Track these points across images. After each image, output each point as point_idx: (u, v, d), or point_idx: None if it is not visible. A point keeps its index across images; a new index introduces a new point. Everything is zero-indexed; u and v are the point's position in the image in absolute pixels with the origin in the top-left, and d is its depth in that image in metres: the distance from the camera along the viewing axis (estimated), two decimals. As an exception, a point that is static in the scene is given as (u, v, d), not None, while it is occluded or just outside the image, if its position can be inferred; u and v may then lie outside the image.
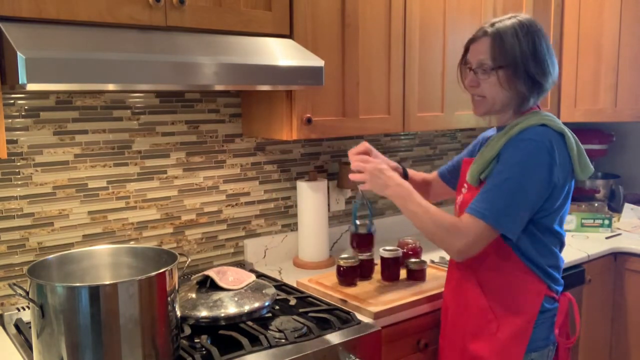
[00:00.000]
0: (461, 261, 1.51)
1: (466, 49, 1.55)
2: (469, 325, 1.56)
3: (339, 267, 1.84)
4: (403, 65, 2.06)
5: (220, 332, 1.48)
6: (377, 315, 1.63)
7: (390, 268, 1.87)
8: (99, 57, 1.28)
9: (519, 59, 1.45)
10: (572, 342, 1.59)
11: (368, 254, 1.89)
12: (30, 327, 1.35)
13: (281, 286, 1.87)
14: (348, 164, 2.26)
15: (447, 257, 2.14)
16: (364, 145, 1.64)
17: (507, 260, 1.49)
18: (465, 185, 1.59)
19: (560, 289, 1.56)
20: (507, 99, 1.50)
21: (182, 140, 1.95)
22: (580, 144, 1.50)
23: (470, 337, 1.55)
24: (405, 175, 1.83)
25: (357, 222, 1.89)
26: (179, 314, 1.37)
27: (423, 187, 1.88)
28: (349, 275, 1.83)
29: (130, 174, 1.86)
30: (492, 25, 1.51)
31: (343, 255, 1.86)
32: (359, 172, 1.52)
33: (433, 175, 1.92)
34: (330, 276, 1.92)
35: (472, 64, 1.52)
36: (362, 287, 1.82)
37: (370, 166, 1.50)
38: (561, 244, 1.57)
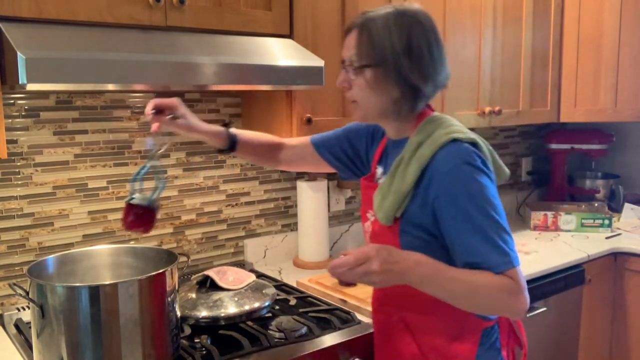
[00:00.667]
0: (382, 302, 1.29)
1: (343, 43, 1.30)
2: None
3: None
4: (403, 65, 2.06)
5: (220, 332, 1.48)
6: (377, 315, 1.62)
7: None
8: (99, 57, 1.28)
9: (389, 56, 1.20)
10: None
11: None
12: (30, 327, 1.35)
13: (281, 286, 1.87)
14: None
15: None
16: (172, 100, 1.36)
17: (435, 299, 1.20)
18: (371, 212, 1.33)
19: None
20: (381, 105, 1.25)
21: (182, 140, 1.95)
22: (490, 147, 1.31)
23: None
24: (231, 140, 1.48)
25: (137, 188, 1.38)
26: (179, 314, 1.37)
27: (268, 152, 1.57)
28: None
29: (130, 174, 1.86)
30: (364, 14, 1.25)
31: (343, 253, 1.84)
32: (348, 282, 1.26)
33: (299, 141, 1.58)
34: (330, 276, 1.91)
35: (344, 61, 1.28)
36: (362, 287, 1.82)
37: (376, 265, 1.12)
38: None
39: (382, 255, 1.13)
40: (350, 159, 1.52)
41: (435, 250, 1.21)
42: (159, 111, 1.34)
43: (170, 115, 1.36)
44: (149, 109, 1.33)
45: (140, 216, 1.36)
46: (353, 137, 1.51)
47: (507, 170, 1.33)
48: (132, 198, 1.36)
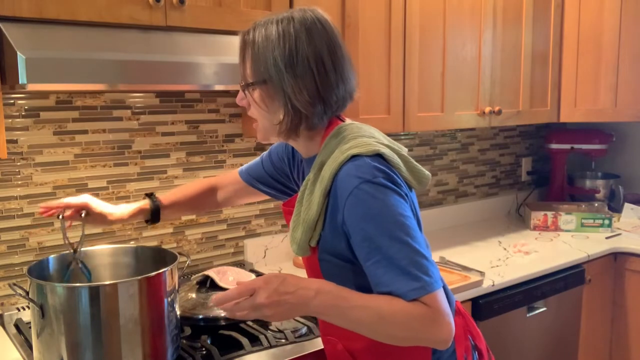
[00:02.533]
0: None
1: None
2: None
3: None
4: (403, 65, 2.06)
5: (220, 332, 1.48)
6: (377, 315, 1.62)
7: None
8: (99, 57, 1.28)
9: (273, 73, 1.09)
10: None
11: None
12: (30, 327, 1.35)
13: (281, 286, 1.87)
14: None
15: (447, 257, 2.15)
16: (83, 198, 1.39)
17: None
18: None
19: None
20: (273, 123, 1.15)
21: (182, 140, 1.95)
22: (404, 153, 1.19)
23: None
24: (155, 208, 1.48)
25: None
26: (179, 314, 1.37)
27: (202, 200, 1.56)
28: None
29: (130, 174, 1.86)
30: (253, 24, 1.14)
31: None
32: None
33: (231, 178, 1.54)
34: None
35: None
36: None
37: (262, 297, 1.02)
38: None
39: (272, 286, 1.02)
40: (282, 183, 1.44)
41: (358, 275, 1.11)
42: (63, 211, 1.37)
43: (81, 214, 1.39)
44: (58, 212, 1.37)
45: None
46: (276, 160, 1.43)
47: (427, 174, 1.20)
48: None
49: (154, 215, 1.48)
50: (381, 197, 1.05)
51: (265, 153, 1.48)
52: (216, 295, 1.05)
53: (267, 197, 1.52)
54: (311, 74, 1.10)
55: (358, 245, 1.07)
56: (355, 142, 1.11)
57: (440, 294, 1.03)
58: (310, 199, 1.14)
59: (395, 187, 1.08)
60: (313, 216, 1.12)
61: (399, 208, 1.05)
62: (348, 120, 1.22)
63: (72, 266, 1.40)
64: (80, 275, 1.40)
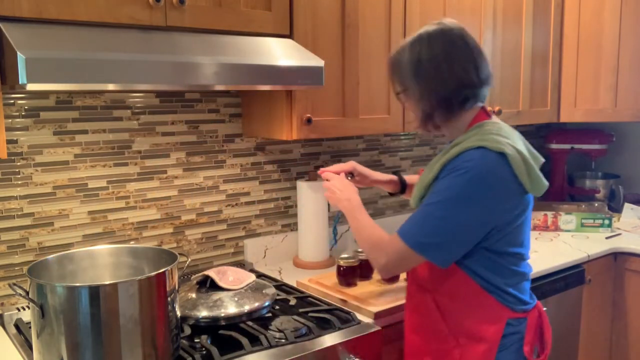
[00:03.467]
0: (384, 276, 1.49)
1: None
2: (430, 348, 1.47)
3: (339, 267, 1.84)
4: (403, 65, 2.06)
5: (220, 332, 1.48)
6: (377, 315, 1.63)
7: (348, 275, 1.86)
8: (99, 57, 1.28)
9: (408, 82, 1.42)
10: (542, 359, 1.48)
11: (352, 260, 1.83)
12: (30, 327, 1.35)
13: (281, 286, 1.87)
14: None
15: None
16: (350, 164, 1.73)
17: (464, 285, 1.39)
18: None
19: (528, 305, 1.45)
20: (421, 118, 1.45)
21: (182, 140, 1.95)
22: (529, 159, 1.35)
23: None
24: (402, 184, 1.82)
25: (344, 255, 1.84)
26: (179, 314, 1.37)
27: None
28: (349, 275, 1.82)
29: (130, 174, 1.86)
30: (395, 50, 1.47)
31: (343, 255, 1.85)
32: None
33: None
34: (330, 276, 1.92)
35: None
36: (362, 287, 1.82)
37: (329, 183, 1.61)
38: (523, 260, 1.45)
39: (337, 184, 1.60)
40: None
41: None
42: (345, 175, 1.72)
43: (350, 177, 1.74)
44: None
45: (346, 274, 1.83)
46: None
47: (545, 182, 1.38)
48: (340, 262, 1.83)
49: (402, 187, 1.83)
50: (469, 189, 1.30)
51: None
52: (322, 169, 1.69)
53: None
54: (432, 76, 1.38)
55: (428, 201, 1.36)
56: (488, 137, 1.34)
57: (408, 252, 1.34)
58: (433, 165, 1.41)
59: (487, 192, 1.31)
60: (430, 178, 1.39)
61: (476, 205, 1.30)
62: (494, 118, 1.46)
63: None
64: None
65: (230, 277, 1.63)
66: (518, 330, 1.42)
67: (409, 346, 1.55)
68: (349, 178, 1.73)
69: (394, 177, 1.82)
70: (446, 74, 1.37)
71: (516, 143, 1.36)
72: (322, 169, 1.70)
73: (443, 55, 1.37)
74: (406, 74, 1.41)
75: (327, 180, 1.64)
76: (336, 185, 1.60)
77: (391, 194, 1.86)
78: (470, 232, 1.33)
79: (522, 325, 1.43)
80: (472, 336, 1.40)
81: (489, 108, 1.44)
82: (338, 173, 1.69)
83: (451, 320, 1.43)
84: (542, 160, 1.45)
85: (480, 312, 1.40)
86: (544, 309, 2.07)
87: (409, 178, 1.85)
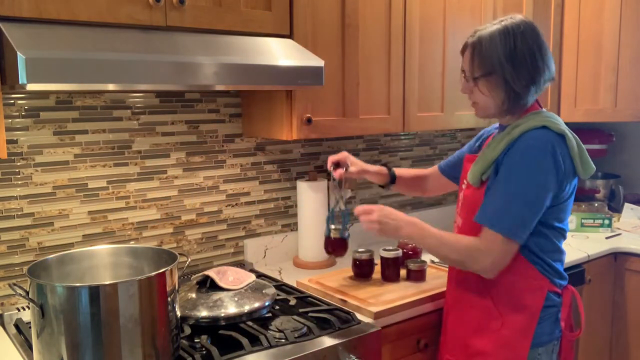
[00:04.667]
0: (492, 276, 1.49)
1: (462, 55, 1.58)
2: (472, 322, 1.56)
3: (355, 260, 1.89)
4: (403, 65, 2.06)
5: (220, 332, 1.48)
6: (377, 315, 1.63)
7: (391, 268, 1.87)
8: (99, 57, 1.28)
9: (497, 67, 1.46)
10: (577, 335, 1.59)
11: (367, 254, 1.89)
12: (30, 327, 1.35)
13: (281, 286, 1.87)
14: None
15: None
16: (342, 154, 1.78)
17: None
18: (465, 182, 1.60)
19: (564, 282, 1.56)
20: (496, 105, 1.51)
21: (182, 140, 1.95)
22: (581, 143, 1.50)
23: (473, 333, 1.55)
24: (392, 176, 1.88)
25: (332, 226, 1.82)
26: (179, 314, 1.37)
27: (416, 183, 1.94)
28: (365, 268, 1.88)
29: (130, 174, 1.86)
30: (475, 33, 1.51)
31: (360, 249, 1.91)
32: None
33: (432, 170, 1.94)
34: (330, 276, 1.92)
35: (464, 71, 1.56)
36: (362, 287, 1.82)
37: (375, 216, 1.55)
38: (564, 238, 1.57)
39: (383, 212, 1.55)
40: None
41: None
42: (336, 165, 1.79)
43: (345, 167, 1.78)
44: (329, 167, 1.78)
45: (337, 246, 1.82)
46: (464, 152, 1.80)
47: (593, 166, 1.50)
48: (329, 234, 1.81)
49: (392, 179, 1.88)
50: (540, 160, 1.41)
51: (458, 151, 1.87)
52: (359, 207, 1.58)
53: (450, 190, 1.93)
54: (526, 65, 1.45)
55: (499, 180, 1.44)
56: (548, 120, 1.46)
57: (503, 239, 1.40)
58: (496, 144, 1.49)
59: (554, 165, 1.41)
60: (494, 155, 1.47)
61: (545, 175, 1.41)
62: (544, 108, 1.57)
63: (337, 209, 1.82)
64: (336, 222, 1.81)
65: (230, 277, 1.63)
66: (555, 304, 1.53)
67: (452, 320, 1.63)
68: (344, 169, 1.77)
69: (383, 169, 1.87)
70: (540, 63, 1.46)
71: (568, 129, 1.48)
72: (330, 158, 1.78)
73: (537, 47, 1.46)
74: (497, 58, 1.45)
75: (361, 215, 1.58)
76: (381, 214, 1.55)
77: (381, 186, 1.90)
78: (542, 202, 1.42)
79: (558, 302, 1.53)
80: (514, 306, 1.49)
81: None
82: (334, 163, 1.78)
83: (494, 293, 1.51)
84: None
85: (522, 282, 1.49)
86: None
87: (399, 171, 1.90)
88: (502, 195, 1.43)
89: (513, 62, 1.45)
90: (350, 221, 1.83)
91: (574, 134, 1.49)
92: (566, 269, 2.19)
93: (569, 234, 2.56)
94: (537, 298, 1.50)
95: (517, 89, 1.46)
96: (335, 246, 1.82)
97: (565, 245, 2.39)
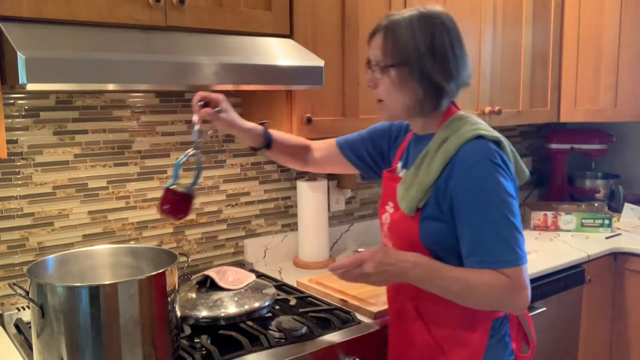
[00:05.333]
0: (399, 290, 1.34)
1: (369, 44, 1.36)
2: (415, 356, 1.39)
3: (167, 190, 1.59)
4: (403, 65, 2.06)
5: (220, 332, 1.48)
6: (377, 315, 1.63)
7: None
8: (99, 57, 1.28)
9: (413, 56, 1.25)
10: (529, 357, 1.42)
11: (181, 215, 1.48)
12: (30, 327, 1.35)
13: (281, 286, 1.87)
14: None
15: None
16: (218, 95, 1.43)
17: None
18: (391, 204, 1.39)
19: None
20: (406, 103, 1.30)
21: (182, 140, 1.95)
22: (513, 147, 1.35)
23: None
24: (267, 138, 1.54)
25: (178, 180, 1.45)
26: (179, 314, 1.37)
27: (299, 152, 1.63)
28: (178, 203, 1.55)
29: (130, 174, 1.86)
30: (388, 17, 1.30)
31: (360, 249, 1.86)
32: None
33: (326, 143, 1.65)
34: (330, 276, 1.92)
35: (370, 61, 1.33)
36: (363, 287, 1.82)
37: (371, 267, 1.25)
38: None
39: (378, 258, 1.25)
40: (373, 159, 1.58)
41: (450, 236, 1.27)
42: (205, 104, 1.43)
43: (216, 109, 1.43)
44: (195, 101, 1.42)
45: (178, 202, 1.43)
46: (376, 137, 1.57)
47: (527, 172, 1.37)
48: (173, 184, 1.43)
49: (267, 141, 1.54)
50: (496, 176, 1.22)
51: (364, 131, 1.60)
52: (332, 264, 1.29)
53: (340, 171, 1.68)
54: (446, 59, 1.26)
55: (467, 211, 1.23)
56: (479, 126, 1.29)
57: (525, 268, 1.22)
58: (430, 165, 1.28)
59: (508, 171, 1.26)
60: (430, 180, 1.27)
61: (508, 189, 1.23)
62: (464, 111, 1.38)
63: (191, 153, 1.46)
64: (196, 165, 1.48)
65: (230, 277, 1.63)
66: (502, 329, 1.37)
67: (391, 354, 1.48)
68: (214, 110, 1.43)
69: (258, 127, 1.53)
70: (460, 62, 1.29)
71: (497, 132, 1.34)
72: (331, 267, 1.32)
73: (458, 43, 1.29)
74: (413, 46, 1.25)
75: (348, 272, 1.29)
76: (377, 263, 1.25)
77: (253, 149, 1.56)
78: (518, 212, 1.24)
79: (505, 325, 1.38)
80: (458, 341, 1.33)
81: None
82: (204, 99, 1.42)
83: (436, 328, 1.35)
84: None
85: (465, 315, 1.31)
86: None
87: (278, 134, 1.58)
88: (489, 228, 1.21)
89: (433, 53, 1.25)
90: (201, 177, 1.50)
91: (507, 139, 1.35)
92: (566, 269, 2.21)
93: (569, 234, 2.58)
94: (480, 329, 1.32)
95: (439, 83, 1.26)
96: (176, 204, 1.42)
97: (565, 245, 2.42)
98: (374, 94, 1.34)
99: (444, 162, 1.26)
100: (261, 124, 1.56)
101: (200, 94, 1.42)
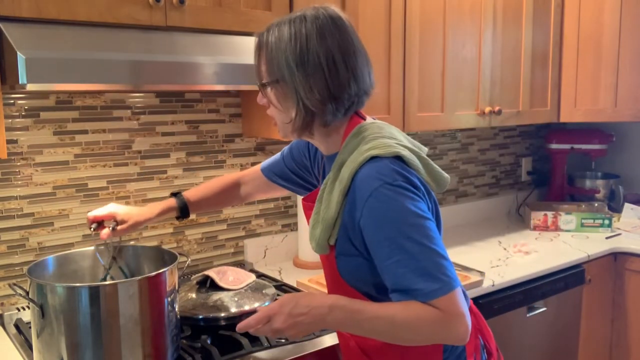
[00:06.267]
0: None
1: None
2: None
3: None
4: (403, 65, 2.06)
5: (220, 332, 1.48)
6: (377, 315, 1.62)
7: None
8: (99, 57, 1.28)
9: (285, 72, 1.12)
10: None
11: None
12: (30, 327, 1.35)
13: (281, 286, 1.87)
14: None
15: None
16: (106, 209, 1.42)
17: None
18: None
19: None
20: (291, 122, 1.16)
21: (182, 140, 1.95)
22: (425, 156, 1.19)
23: None
24: (181, 206, 1.52)
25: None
26: (179, 314, 1.37)
27: (228, 196, 1.60)
28: None
29: (130, 174, 1.86)
30: (268, 26, 1.17)
31: None
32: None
33: (251, 173, 1.58)
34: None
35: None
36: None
37: (281, 322, 1.10)
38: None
39: (286, 310, 1.10)
40: (302, 178, 1.47)
41: (373, 271, 1.13)
42: (98, 224, 1.41)
43: (112, 226, 1.41)
44: (89, 225, 1.40)
45: None
46: (297, 155, 1.46)
47: (446, 176, 1.22)
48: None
49: (183, 211, 1.52)
50: (400, 199, 1.07)
51: (286, 148, 1.50)
52: (239, 324, 1.14)
53: (278, 194, 1.62)
54: (322, 72, 1.11)
55: (377, 244, 1.08)
56: (375, 143, 1.13)
57: (457, 294, 1.05)
58: (329, 198, 1.16)
59: (414, 190, 1.09)
60: (332, 215, 1.14)
61: (417, 210, 1.07)
62: (369, 119, 1.23)
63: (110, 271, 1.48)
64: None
65: (230, 277, 1.63)
66: (457, 351, 1.22)
67: None
68: (110, 228, 1.40)
69: (170, 202, 1.51)
70: (342, 72, 1.12)
71: (402, 140, 1.18)
72: (238, 327, 1.15)
73: (340, 49, 1.12)
74: (284, 62, 1.11)
75: (258, 331, 1.14)
76: (287, 315, 1.09)
77: (178, 218, 1.54)
78: (436, 232, 1.10)
79: (460, 347, 1.22)
80: None
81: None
82: (96, 221, 1.40)
83: (384, 358, 1.22)
84: (426, 149, 1.25)
85: (411, 347, 1.17)
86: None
87: (192, 193, 1.55)
88: (403, 260, 1.05)
89: (304, 67, 1.10)
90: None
91: (415, 148, 1.19)
92: (566, 269, 2.21)
93: (569, 234, 2.58)
94: (434, 353, 1.20)
95: (308, 103, 1.12)
96: None
97: (565, 245, 2.42)
98: (268, 113, 1.25)
99: (342, 193, 1.13)
100: (173, 195, 1.55)
101: (89, 219, 1.41)
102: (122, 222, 1.42)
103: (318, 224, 1.17)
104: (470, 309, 1.27)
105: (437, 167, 1.20)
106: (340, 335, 1.33)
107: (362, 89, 1.17)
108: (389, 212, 1.06)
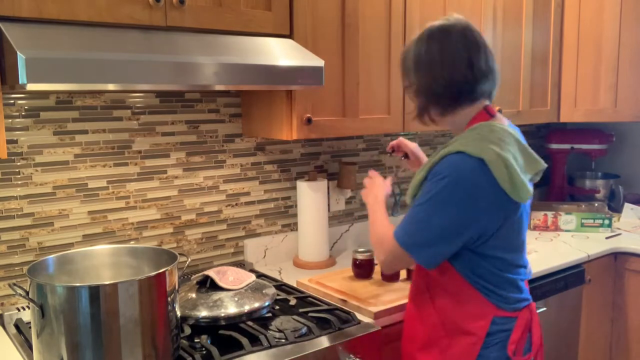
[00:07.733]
0: (386, 271, 1.58)
1: None
2: (422, 336, 1.50)
3: (355, 260, 1.89)
4: (403, 65, 2.06)
5: (220, 332, 1.48)
6: (377, 315, 1.63)
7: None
8: (99, 57, 1.28)
9: (412, 76, 1.46)
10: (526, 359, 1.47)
11: (368, 254, 1.89)
12: (30, 327, 1.35)
13: (281, 286, 1.87)
14: (348, 163, 2.27)
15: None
16: (398, 140, 1.82)
17: (453, 280, 1.43)
18: None
19: (520, 305, 1.46)
20: (420, 112, 1.51)
21: (182, 140, 1.95)
22: (513, 165, 1.35)
23: (422, 348, 1.50)
24: None
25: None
26: (179, 314, 1.37)
27: None
28: (365, 268, 1.88)
29: (130, 174, 1.86)
30: (406, 44, 1.52)
31: (360, 249, 1.91)
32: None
33: None
34: (330, 276, 1.92)
35: None
36: (362, 287, 1.83)
37: (370, 180, 1.64)
38: (511, 265, 1.45)
39: (378, 183, 1.62)
40: None
41: None
42: (394, 150, 1.83)
43: (402, 155, 1.82)
44: (389, 149, 1.84)
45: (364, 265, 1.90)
46: None
47: (529, 189, 1.40)
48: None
49: None
50: (448, 193, 1.33)
51: None
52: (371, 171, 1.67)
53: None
54: (425, 74, 1.42)
55: (416, 203, 1.41)
56: (472, 142, 1.36)
57: (401, 252, 1.40)
58: (424, 167, 1.44)
59: (465, 196, 1.33)
60: (419, 179, 1.43)
61: (455, 208, 1.33)
62: (493, 120, 1.45)
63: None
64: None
65: (230, 277, 1.63)
66: (505, 328, 1.44)
67: (406, 332, 1.58)
68: (402, 158, 1.82)
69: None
70: (438, 69, 1.40)
71: (505, 147, 1.36)
72: (392, 144, 1.81)
73: (438, 52, 1.40)
74: (409, 70, 1.46)
75: (370, 177, 1.66)
76: (374, 183, 1.63)
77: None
78: (448, 234, 1.35)
79: (510, 324, 1.44)
80: (459, 329, 1.44)
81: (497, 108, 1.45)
82: (397, 149, 1.81)
83: (442, 312, 1.47)
84: (543, 166, 1.46)
85: (467, 307, 1.43)
86: (543, 309, 2.08)
87: None
88: (412, 214, 1.40)
89: (418, 70, 1.44)
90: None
91: (509, 155, 1.36)
92: (566, 269, 2.21)
93: (569, 234, 2.58)
94: (480, 324, 1.42)
95: (426, 97, 1.46)
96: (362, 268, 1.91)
97: (565, 245, 2.42)
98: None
99: (431, 165, 1.41)
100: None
101: (390, 145, 1.83)
102: (410, 154, 1.81)
103: (413, 181, 1.48)
104: (529, 307, 1.48)
105: (525, 180, 1.39)
106: (420, 289, 1.54)
107: (463, 80, 1.43)
108: (434, 195, 1.35)
